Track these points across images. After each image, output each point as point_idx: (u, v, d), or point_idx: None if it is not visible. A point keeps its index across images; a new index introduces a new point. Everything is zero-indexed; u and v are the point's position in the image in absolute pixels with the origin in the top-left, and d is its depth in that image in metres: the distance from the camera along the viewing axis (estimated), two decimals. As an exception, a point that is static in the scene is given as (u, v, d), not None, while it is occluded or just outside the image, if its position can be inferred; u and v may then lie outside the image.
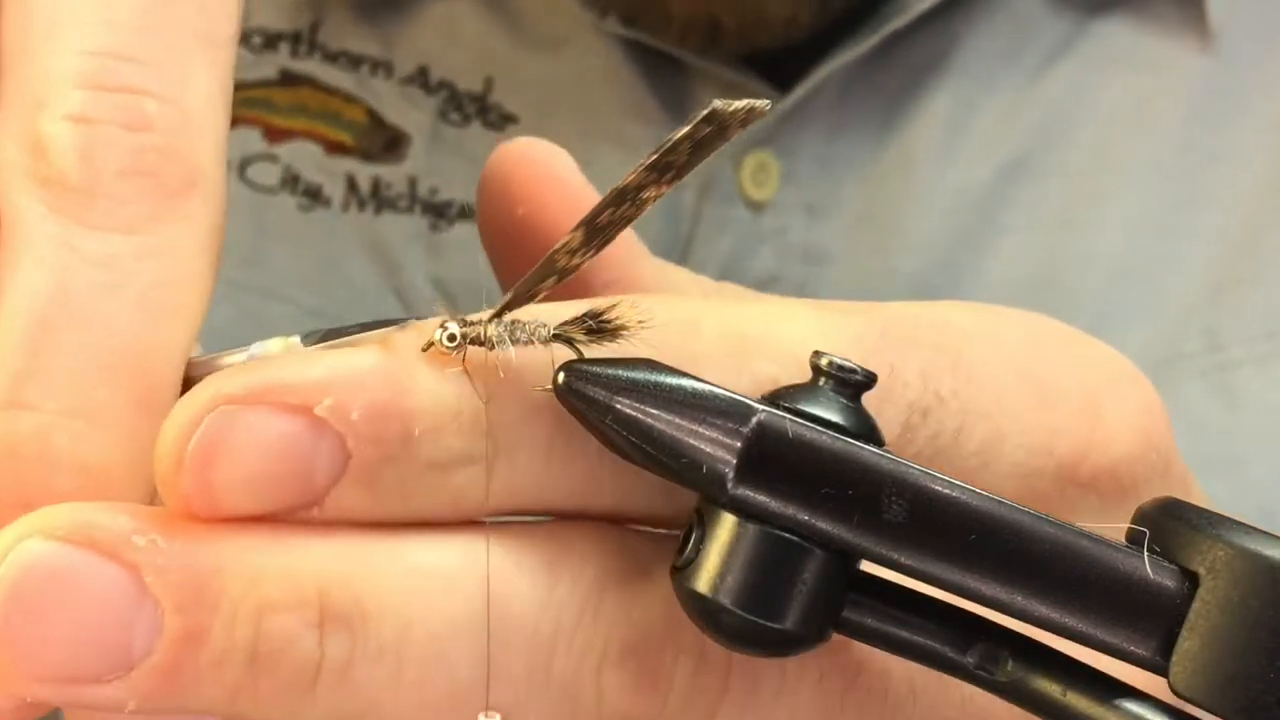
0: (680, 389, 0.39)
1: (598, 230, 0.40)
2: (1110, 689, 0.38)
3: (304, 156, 0.76)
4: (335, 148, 0.77)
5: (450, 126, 0.77)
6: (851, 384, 0.39)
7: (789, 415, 0.38)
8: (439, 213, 0.76)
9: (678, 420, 0.38)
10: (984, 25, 0.79)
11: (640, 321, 0.40)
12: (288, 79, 0.79)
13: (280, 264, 0.76)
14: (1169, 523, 0.38)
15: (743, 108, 0.40)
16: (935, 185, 0.78)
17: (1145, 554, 0.38)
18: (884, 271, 0.77)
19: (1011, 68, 0.79)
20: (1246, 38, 0.79)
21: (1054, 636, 0.38)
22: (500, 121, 0.78)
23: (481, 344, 0.40)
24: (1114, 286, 0.76)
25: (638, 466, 0.39)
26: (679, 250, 0.77)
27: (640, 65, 0.79)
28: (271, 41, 0.79)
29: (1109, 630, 0.37)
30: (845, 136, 0.79)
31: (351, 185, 0.76)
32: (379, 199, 0.76)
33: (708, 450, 0.38)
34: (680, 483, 0.39)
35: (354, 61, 0.79)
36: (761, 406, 0.38)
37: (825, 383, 0.39)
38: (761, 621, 0.38)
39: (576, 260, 0.41)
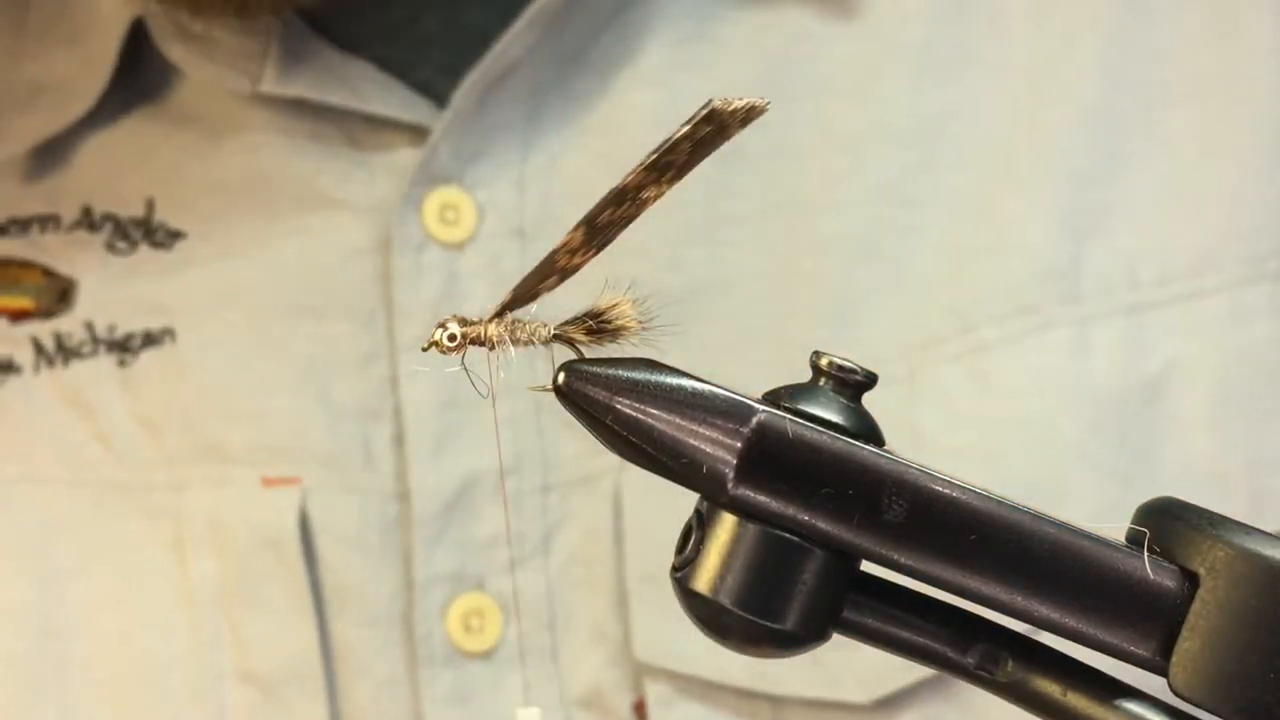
0: (680, 389, 0.39)
1: (598, 230, 0.41)
2: (1110, 689, 0.38)
3: None
4: (19, 315, 0.77)
5: (119, 256, 0.76)
6: (851, 384, 0.39)
7: (789, 415, 0.38)
8: (123, 347, 0.75)
9: (678, 420, 0.38)
10: (663, 11, 0.75)
11: (641, 321, 0.40)
12: None
13: None
14: (1169, 523, 0.38)
15: (743, 106, 0.41)
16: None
17: (1145, 554, 0.38)
18: (615, 278, 0.73)
19: (705, 48, 0.75)
20: None
21: (1054, 637, 0.38)
22: (168, 239, 0.76)
23: (482, 344, 0.40)
24: (856, 267, 0.72)
25: (637, 465, 0.39)
26: (384, 309, 0.73)
27: (312, 131, 0.74)
28: None
29: (1109, 630, 0.37)
30: (540, 147, 0.74)
31: (38, 347, 0.76)
32: (65, 351, 0.76)
33: (708, 450, 0.38)
34: (680, 483, 0.39)
35: (24, 225, 0.78)
36: (762, 406, 0.38)
37: (825, 383, 0.39)
38: (761, 622, 0.38)
39: (577, 260, 0.41)
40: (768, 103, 0.41)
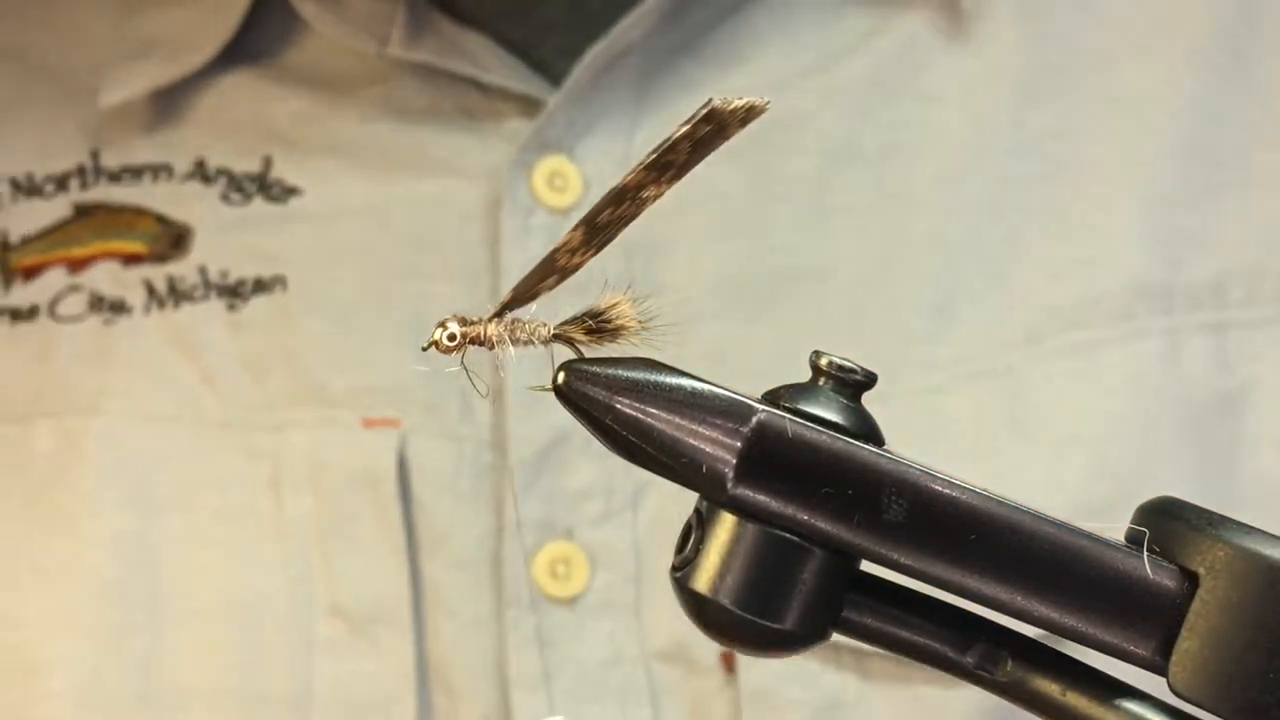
0: (680, 389, 0.39)
1: (598, 229, 0.40)
2: (1110, 688, 0.38)
3: (104, 276, 0.78)
4: (132, 259, 0.79)
5: (232, 207, 0.78)
6: (851, 383, 0.39)
7: (789, 415, 0.38)
8: (234, 292, 0.77)
9: (677, 420, 0.38)
10: (779, 10, 0.77)
11: (640, 321, 0.40)
12: (81, 211, 0.80)
13: (90, 384, 0.77)
14: (1169, 523, 0.38)
15: (742, 106, 0.41)
16: (766, 167, 0.76)
17: (1145, 554, 0.38)
18: (720, 255, 0.76)
19: (816, 47, 0.77)
20: (1070, 11, 0.77)
21: (1054, 636, 0.38)
22: (283, 195, 0.78)
23: (482, 344, 0.40)
24: (956, 266, 0.75)
25: (636, 465, 0.39)
26: (489, 270, 0.76)
27: (428, 99, 0.78)
28: (61, 183, 0.81)
29: (1108, 630, 0.37)
30: (646, 128, 0.77)
31: (150, 290, 0.78)
32: (176, 294, 0.78)
33: (707, 450, 0.38)
34: (680, 482, 0.39)
35: (136, 174, 0.80)
36: (762, 406, 0.38)
37: (825, 382, 0.39)
38: (761, 622, 0.38)
39: (577, 259, 0.41)
40: (767, 102, 0.41)
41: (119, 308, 0.78)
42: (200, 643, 0.74)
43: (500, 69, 0.77)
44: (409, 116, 0.78)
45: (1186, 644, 0.37)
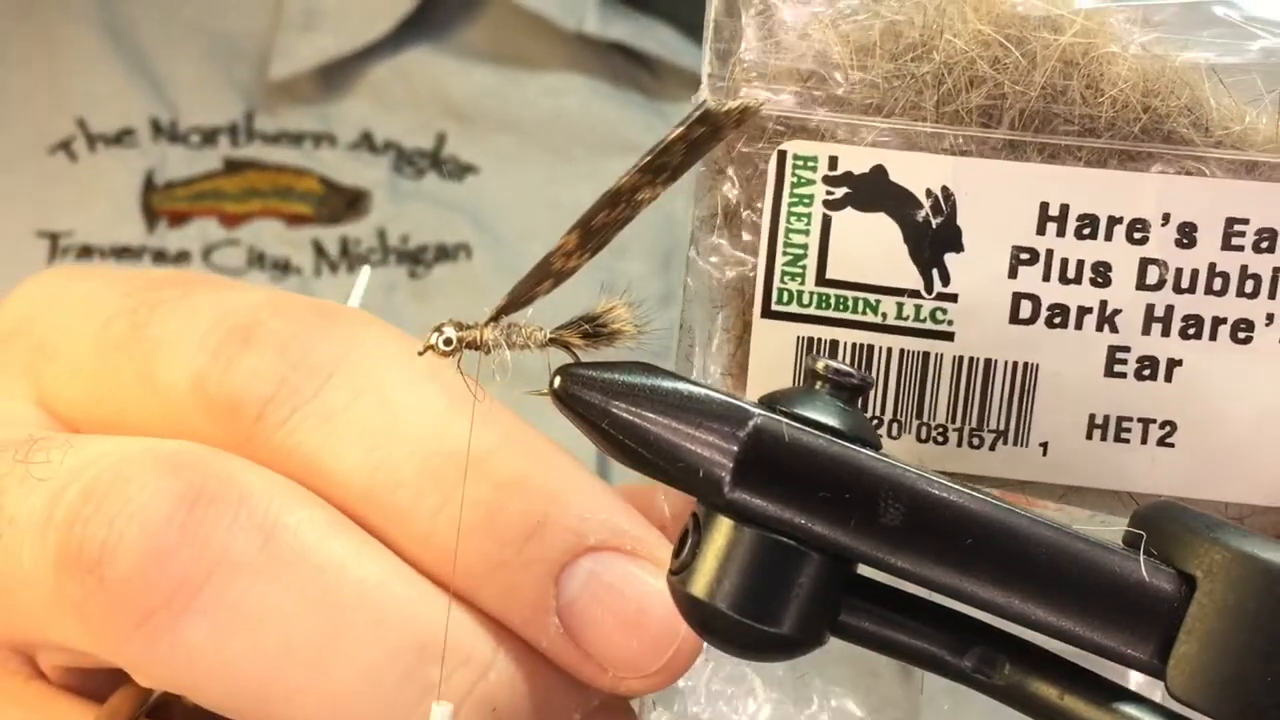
0: (676, 393, 0.38)
1: (593, 233, 0.40)
2: (1108, 692, 0.38)
3: (265, 234, 0.76)
4: (295, 220, 0.76)
5: (406, 180, 0.76)
6: (848, 387, 0.39)
7: (785, 419, 0.38)
8: (415, 259, 0.76)
9: (674, 424, 0.38)
10: None
11: (637, 326, 0.40)
12: (233, 166, 0.78)
13: None
14: (1166, 525, 0.38)
15: (736, 107, 0.41)
16: None
17: (1142, 557, 0.37)
18: None
19: None
20: None
21: (1051, 640, 0.38)
22: (458, 171, 0.77)
23: (478, 348, 0.40)
24: None
25: (634, 470, 0.39)
26: (681, 257, 0.75)
27: (614, 85, 0.77)
28: (209, 137, 0.78)
29: (1106, 633, 0.37)
30: None
31: (319, 250, 0.76)
32: (350, 257, 0.76)
33: (704, 454, 0.38)
34: (676, 486, 0.39)
35: (295, 139, 0.78)
36: (758, 410, 0.38)
37: (821, 386, 0.39)
38: (758, 626, 0.38)
39: (573, 263, 0.41)
40: (761, 103, 0.41)
41: (285, 267, 0.75)
42: None
43: (684, 51, 0.77)
44: (596, 94, 0.77)
45: (1184, 647, 0.37)
